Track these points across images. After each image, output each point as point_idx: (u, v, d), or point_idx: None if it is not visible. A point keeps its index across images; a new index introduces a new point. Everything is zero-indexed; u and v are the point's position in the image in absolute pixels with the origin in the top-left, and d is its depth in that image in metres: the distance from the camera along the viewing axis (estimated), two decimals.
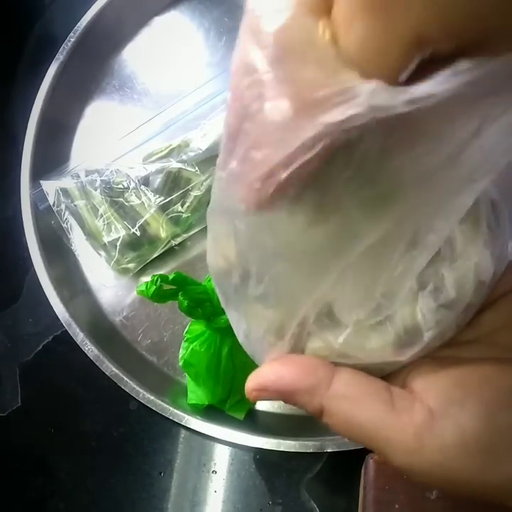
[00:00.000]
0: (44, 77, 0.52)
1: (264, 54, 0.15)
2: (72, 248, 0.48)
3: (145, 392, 0.43)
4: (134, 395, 0.43)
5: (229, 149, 0.16)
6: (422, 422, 0.19)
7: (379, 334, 0.21)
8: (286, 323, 0.21)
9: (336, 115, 0.14)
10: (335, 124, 0.14)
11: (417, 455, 0.19)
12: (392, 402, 0.19)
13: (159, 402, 0.42)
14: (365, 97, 0.13)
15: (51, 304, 0.46)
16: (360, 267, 0.19)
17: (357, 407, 0.20)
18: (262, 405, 0.44)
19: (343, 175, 0.15)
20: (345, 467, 0.41)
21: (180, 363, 0.42)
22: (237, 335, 0.23)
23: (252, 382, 0.21)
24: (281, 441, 0.40)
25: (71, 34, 0.53)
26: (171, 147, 0.47)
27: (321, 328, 0.21)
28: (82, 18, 0.53)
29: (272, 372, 0.21)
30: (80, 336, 0.45)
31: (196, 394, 0.43)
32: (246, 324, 0.22)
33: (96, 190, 0.47)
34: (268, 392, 0.21)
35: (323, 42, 0.14)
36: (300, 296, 0.20)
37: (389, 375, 0.22)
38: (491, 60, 0.13)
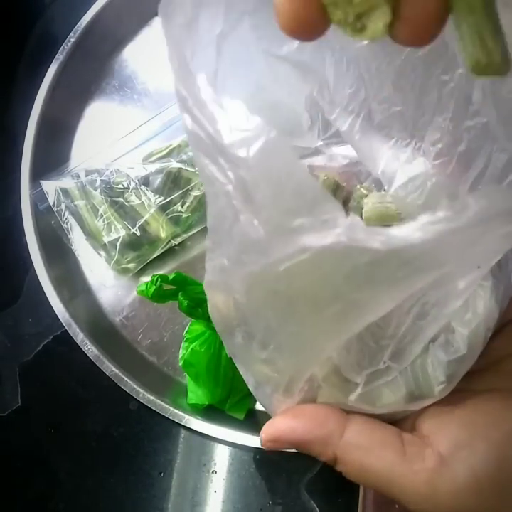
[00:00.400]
0: (44, 77, 0.52)
1: (239, 175, 0.15)
2: (72, 248, 0.48)
3: (145, 392, 0.43)
4: (134, 395, 0.43)
5: (216, 242, 0.18)
6: (433, 468, 0.19)
7: (391, 390, 0.21)
8: (294, 383, 0.21)
9: (314, 240, 0.14)
10: (311, 246, 0.15)
11: (430, 501, 0.19)
12: (404, 450, 0.20)
13: (159, 402, 0.42)
14: (343, 230, 0.14)
15: (51, 303, 0.46)
16: (365, 337, 0.19)
17: (369, 457, 0.20)
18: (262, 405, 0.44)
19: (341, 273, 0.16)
20: None
21: (180, 363, 0.42)
22: (246, 382, 0.23)
23: (267, 433, 0.22)
24: None
25: (71, 34, 0.53)
26: (171, 147, 0.47)
27: (330, 386, 0.21)
28: (82, 18, 0.53)
29: (284, 424, 0.22)
30: (79, 336, 0.45)
31: (196, 394, 0.43)
32: (253, 379, 0.23)
33: (96, 190, 0.47)
34: (282, 444, 0.22)
35: (302, 168, 0.15)
36: (306, 361, 0.20)
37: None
38: (466, 211, 0.14)
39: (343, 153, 0.30)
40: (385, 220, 0.28)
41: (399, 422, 0.22)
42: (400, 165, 0.24)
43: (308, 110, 0.26)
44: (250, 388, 0.23)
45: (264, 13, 0.15)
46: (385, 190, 0.28)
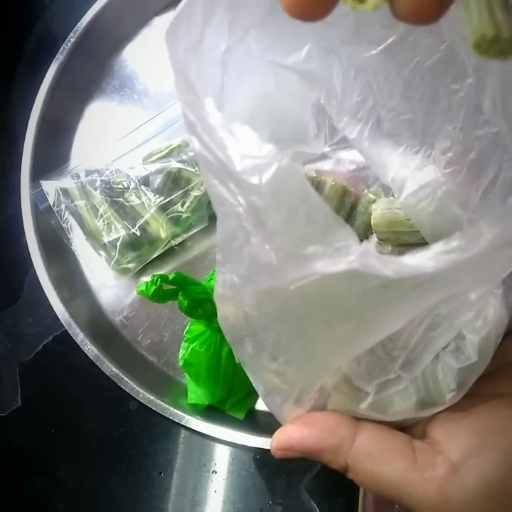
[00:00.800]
0: (44, 77, 0.52)
1: (250, 201, 0.15)
2: (72, 248, 0.48)
3: (145, 392, 0.43)
4: (134, 395, 0.43)
5: (226, 258, 0.18)
6: (444, 476, 0.19)
7: (401, 398, 0.21)
8: (304, 394, 0.21)
9: (326, 266, 0.15)
10: (323, 272, 0.15)
11: (442, 509, 0.19)
12: (415, 457, 0.20)
13: (159, 402, 0.42)
14: (356, 257, 0.14)
15: (51, 303, 0.46)
16: (375, 349, 0.19)
17: (380, 465, 0.20)
18: (262, 405, 0.44)
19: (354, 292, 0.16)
20: None
21: (180, 363, 0.42)
22: (256, 389, 0.23)
23: (277, 442, 0.22)
24: None
25: (71, 34, 0.53)
26: (171, 147, 0.47)
27: (340, 395, 0.21)
28: (82, 18, 0.53)
29: (294, 433, 0.22)
30: (80, 336, 0.45)
31: (196, 394, 0.43)
32: (263, 388, 0.23)
33: (96, 190, 0.47)
34: (292, 452, 0.22)
35: (314, 195, 0.15)
36: (316, 374, 0.20)
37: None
38: (480, 240, 0.14)
39: (350, 158, 0.30)
40: (394, 226, 0.27)
41: (409, 427, 0.22)
42: (410, 172, 0.24)
43: (315, 117, 0.26)
44: (260, 395, 0.24)
45: (270, 25, 0.15)
46: (393, 195, 0.28)
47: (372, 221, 0.28)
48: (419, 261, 0.14)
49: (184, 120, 0.17)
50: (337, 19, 0.20)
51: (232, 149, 0.15)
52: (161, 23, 0.57)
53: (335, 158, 0.30)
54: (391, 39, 0.19)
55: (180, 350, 0.43)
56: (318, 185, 0.29)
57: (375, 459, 0.20)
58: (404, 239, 0.28)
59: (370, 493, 0.36)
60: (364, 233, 0.29)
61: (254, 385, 0.23)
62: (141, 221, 0.46)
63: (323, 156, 0.30)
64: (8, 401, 0.48)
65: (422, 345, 0.19)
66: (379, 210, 0.28)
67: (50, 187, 0.48)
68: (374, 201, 0.29)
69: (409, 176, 0.24)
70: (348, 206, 0.29)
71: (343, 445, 0.20)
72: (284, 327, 0.18)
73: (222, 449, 0.44)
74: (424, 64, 0.20)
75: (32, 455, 0.47)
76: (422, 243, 0.27)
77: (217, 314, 0.22)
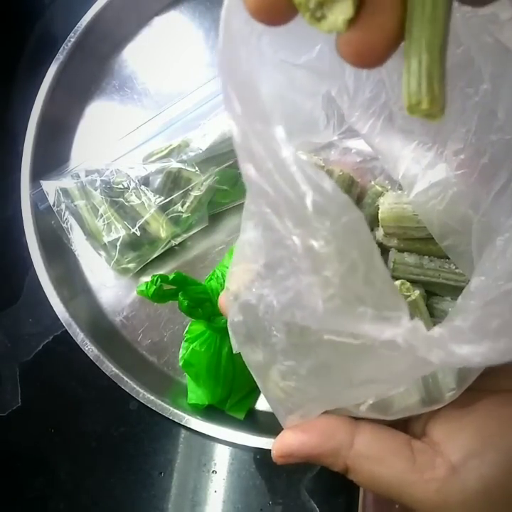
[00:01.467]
0: (44, 77, 0.52)
1: (310, 244, 0.15)
2: (72, 248, 0.48)
3: (145, 392, 0.43)
4: (134, 395, 0.43)
5: (268, 275, 0.18)
6: (444, 478, 0.19)
7: (402, 398, 0.21)
8: (305, 414, 0.21)
9: (371, 331, 0.14)
10: (367, 335, 0.15)
11: (441, 510, 0.19)
12: (414, 458, 0.20)
13: (159, 402, 0.42)
14: (404, 331, 0.14)
15: (51, 303, 0.46)
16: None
17: (379, 466, 0.20)
18: (262, 405, 0.44)
19: None
20: None
21: (180, 363, 0.42)
22: (261, 391, 0.24)
23: (277, 450, 0.23)
24: None
25: (71, 34, 0.53)
26: (171, 147, 0.47)
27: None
28: (82, 18, 0.53)
29: (293, 439, 0.22)
30: (80, 336, 0.45)
31: (196, 394, 0.43)
32: (265, 392, 0.23)
33: (96, 190, 0.47)
34: (294, 459, 0.22)
35: (377, 256, 0.15)
36: (321, 407, 0.21)
37: (410, 418, 0.22)
38: None
39: (357, 147, 0.30)
40: (402, 221, 0.27)
41: (409, 424, 0.22)
42: (422, 169, 0.23)
43: (325, 109, 0.26)
44: (262, 393, 0.24)
45: (280, 29, 0.15)
46: (400, 189, 0.28)
47: (379, 215, 0.28)
48: (468, 353, 0.14)
49: (241, 144, 0.15)
50: None
51: (304, 189, 0.14)
52: (161, 23, 0.57)
53: (341, 146, 0.30)
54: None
55: (180, 350, 0.43)
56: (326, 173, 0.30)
57: (373, 460, 0.20)
58: (411, 234, 0.28)
59: (370, 493, 0.36)
60: (370, 226, 0.29)
61: (259, 387, 0.23)
62: (141, 221, 0.46)
63: (330, 145, 0.30)
64: (8, 401, 0.48)
65: None
66: (387, 205, 0.28)
67: (50, 187, 0.48)
68: (381, 194, 0.29)
69: (420, 173, 0.24)
70: (354, 197, 0.29)
71: (342, 448, 0.21)
72: (305, 362, 0.19)
73: (222, 449, 0.44)
74: None
75: (32, 455, 0.47)
76: (428, 238, 0.27)
77: (221, 305, 0.22)
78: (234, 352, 0.23)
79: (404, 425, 0.22)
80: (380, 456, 0.20)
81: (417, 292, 0.27)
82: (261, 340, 0.20)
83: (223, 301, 0.25)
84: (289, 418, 0.22)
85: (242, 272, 0.20)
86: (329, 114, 0.26)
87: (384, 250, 0.30)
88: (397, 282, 0.27)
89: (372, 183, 0.30)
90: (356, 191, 0.29)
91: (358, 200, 0.30)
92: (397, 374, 0.17)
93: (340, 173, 0.29)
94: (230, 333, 0.23)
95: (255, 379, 0.23)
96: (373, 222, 0.29)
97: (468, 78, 0.20)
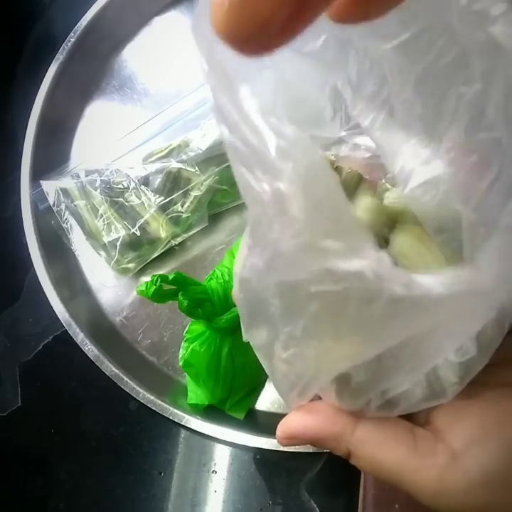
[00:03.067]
0: (44, 77, 0.52)
1: (276, 187, 0.15)
2: (72, 248, 0.48)
3: (145, 392, 0.43)
4: (134, 395, 0.43)
5: (255, 243, 0.18)
6: (445, 464, 0.19)
7: (405, 397, 0.21)
8: (308, 387, 0.22)
9: (339, 264, 0.15)
10: (335, 270, 0.15)
11: (441, 496, 0.19)
12: (415, 444, 0.20)
13: (159, 402, 0.42)
14: (369, 262, 0.15)
15: (51, 304, 0.46)
16: (383, 358, 0.19)
17: (381, 451, 0.20)
18: (262, 405, 0.44)
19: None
20: (345, 467, 0.41)
21: (180, 363, 0.42)
22: (268, 373, 0.24)
23: (282, 431, 0.23)
24: None
25: (71, 34, 0.53)
26: (171, 147, 0.47)
27: (343, 396, 0.22)
28: (82, 18, 0.53)
29: (297, 422, 0.22)
30: (79, 336, 0.45)
31: (196, 394, 0.43)
32: (271, 374, 0.23)
33: (96, 190, 0.47)
34: (297, 440, 0.22)
35: (341, 194, 0.15)
36: (322, 372, 0.21)
37: None
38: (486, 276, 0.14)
39: (367, 143, 0.30)
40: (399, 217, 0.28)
41: (412, 414, 0.22)
42: (418, 165, 0.24)
43: (331, 101, 0.26)
44: (270, 378, 0.24)
45: None
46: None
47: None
48: (429, 283, 0.14)
49: (214, 106, 0.16)
50: None
51: (267, 136, 0.15)
52: (161, 23, 0.57)
53: (351, 142, 0.30)
54: (406, 36, 0.19)
55: (180, 350, 0.43)
56: (335, 171, 0.29)
57: (375, 445, 0.21)
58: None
59: (370, 493, 0.36)
60: None
61: (264, 368, 0.24)
62: (141, 221, 0.46)
63: (340, 141, 0.30)
64: (8, 401, 0.48)
65: (431, 349, 0.19)
66: (390, 199, 0.28)
67: (50, 187, 0.48)
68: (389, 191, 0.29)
69: (415, 169, 0.24)
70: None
71: (344, 433, 0.21)
72: (298, 322, 0.19)
73: (222, 449, 0.44)
74: (436, 63, 0.20)
75: (32, 455, 0.47)
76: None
77: (234, 297, 0.22)
78: (244, 340, 0.23)
79: (408, 414, 0.22)
80: (382, 442, 0.21)
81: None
82: (261, 314, 0.20)
83: (234, 292, 0.25)
84: (292, 396, 0.22)
85: (240, 253, 0.21)
86: (336, 108, 0.26)
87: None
88: None
89: (383, 181, 0.30)
90: (365, 187, 0.29)
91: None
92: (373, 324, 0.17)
93: (349, 171, 0.29)
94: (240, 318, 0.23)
95: (262, 362, 0.23)
96: None
97: (463, 77, 0.20)
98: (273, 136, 0.15)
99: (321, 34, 0.22)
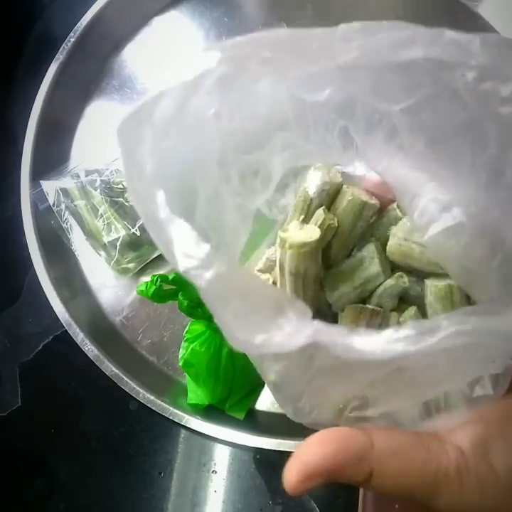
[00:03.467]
0: (44, 77, 0.52)
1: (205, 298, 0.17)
2: (72, 248, 0.48)
3: (145, 392, 0.43)
4: (134, 395, 0.43)
5: None
6: (459, 463, 0.19)
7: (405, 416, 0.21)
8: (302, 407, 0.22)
9: (285, 344, 0.16)
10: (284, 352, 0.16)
11: (458, 496, 0.19)
12: (428, 448, 0.20)
13: (159, 402, 0.42)
14: (312, 333, 0.15)
15: (51, 304, 0.46)
16: (392, 381, 0.20)
17: (404, 462, 0.20)
18: (262, 405, 0.44)
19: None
20: None
21: (180, 363, 0.42)
22: (266, 384, 0.24)
23: (299, 472, 0.20)
24: (281, 441, 0.40)
25: (71, 34, 0.53)
26: None
27: (349, 423, 0.21)
28: (82, 18, 0.53)
29: (312, 455, 0.20)
30: (79, 336, 0.45)
31: (196, 394, 0.43)
32: (265, 382, 0.23)
33: (96, 190, 0.47)
34: (315, 478, 0.20)
35: (258, 280, 0.17)
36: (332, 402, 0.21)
37: None
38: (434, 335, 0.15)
39: None
40: (407, 259, 0.27)
41: None
42: (438, 211, 0.23)
43: (341, 139, 0.25)
44: (269, 389, 0.24)
45: (290, 73, 0.15)
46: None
47: (387, 248, 0.28)
48: (367, 346, 0.15)
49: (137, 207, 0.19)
50: (354, 72, 0.20)
51: (176, 247, 0.17)
52: (161, 23, 0.57)
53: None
54: (411, 101, 0.19)
55: (180, 350, 0.43)
56: (336, 194, 0.29)
57: (396, 456, 0.20)
58: (416, 269, 0.27)
59: (370, 493, 0.36)
60: (383, 247, 0.28)
61: (259, 372, 0.24)
62: (141, 221, 0.46)
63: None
64: (8, 401, 0.48)
65: (428, 383, 0.19)
66: (396, 239, 0.27)
67: (50, 187, 0.48)
68: (400, 219, 0.28)
69: (436, 214, 0.23)
70: (367, 220, 0.29)
71: (365, 449, 0.19)
72: (271, 376, 0.20)
73: (222, 449, 0.44)
74: (446, 125, 0.20)
75: (32, 455, 0.47)
76: (438, 273, 0.27)
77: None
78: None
79: None
80: (401, 452, 0.20)
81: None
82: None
83: None
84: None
85: None
86: (346, 145, 0.25)
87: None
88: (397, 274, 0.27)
89: (394, 206, 0.29)
90: (369, 213, 0.28)
91: (376, 219, 0.30)
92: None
93: (351, 198, 0.28)
94: None
95: (257, 368, 0.23)
96: (386, 244, 0.29)
97: (476, 137, 0.19)
98: (180, 249, 0.17)
99: (325, 88, 0.22)
